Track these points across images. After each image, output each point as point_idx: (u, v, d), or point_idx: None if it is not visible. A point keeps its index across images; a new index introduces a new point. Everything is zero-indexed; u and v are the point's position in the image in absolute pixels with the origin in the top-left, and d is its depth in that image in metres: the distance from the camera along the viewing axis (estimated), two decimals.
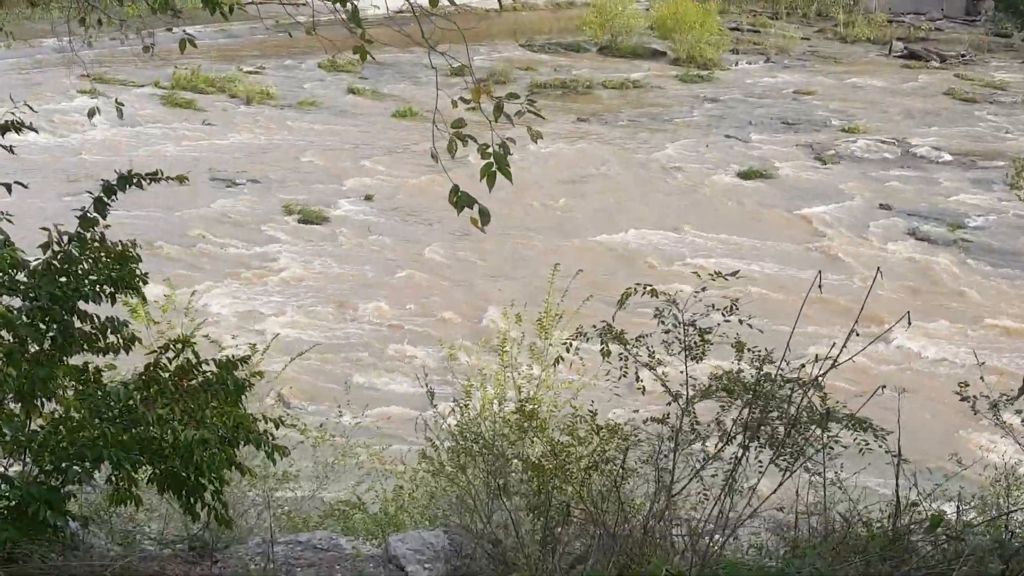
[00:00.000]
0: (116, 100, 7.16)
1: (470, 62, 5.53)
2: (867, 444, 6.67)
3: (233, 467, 6.21)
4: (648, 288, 8.52)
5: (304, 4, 7.20)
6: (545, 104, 34.76)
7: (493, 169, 4.96)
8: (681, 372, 8.84)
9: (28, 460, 5.69)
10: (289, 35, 6.82)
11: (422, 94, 33.10)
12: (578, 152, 29.52)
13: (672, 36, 43.25)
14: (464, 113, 5.54)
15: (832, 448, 7.03)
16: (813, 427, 7.17)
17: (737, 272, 8.53)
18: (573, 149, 29.60)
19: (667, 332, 8.75)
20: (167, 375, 6.21)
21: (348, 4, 5.86)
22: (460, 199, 5.11)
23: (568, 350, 9.11)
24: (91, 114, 6.36)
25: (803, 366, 7.39)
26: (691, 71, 40.60)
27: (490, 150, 4.98)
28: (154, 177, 6.51)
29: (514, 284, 19.99)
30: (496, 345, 14.09)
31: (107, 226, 6.48)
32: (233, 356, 6.51)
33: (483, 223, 5.09)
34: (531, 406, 10.03)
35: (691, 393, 8.67)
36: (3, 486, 5.25)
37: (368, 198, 25.10)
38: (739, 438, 7.80)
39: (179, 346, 6.26)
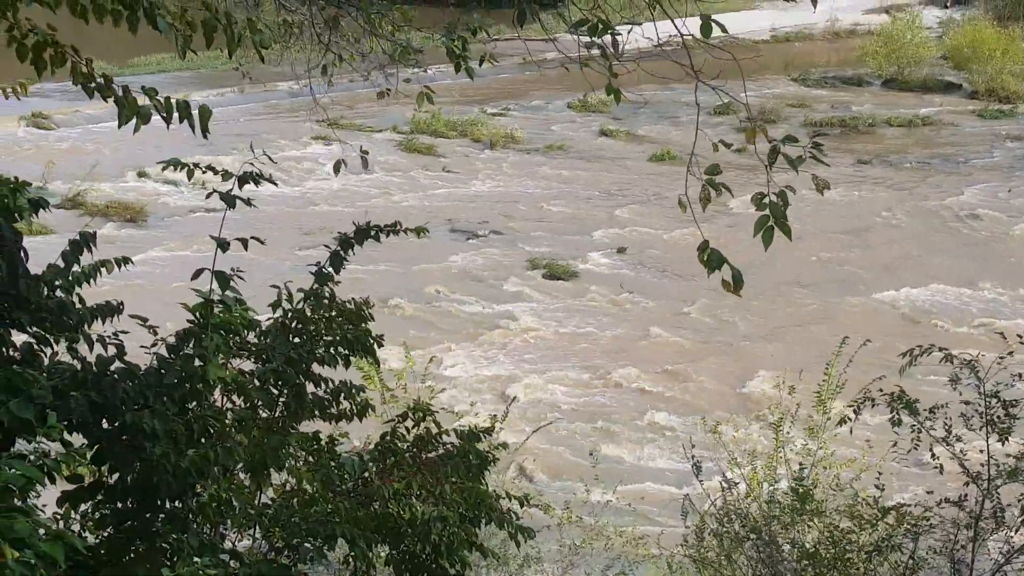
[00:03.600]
0: (361, 149, 7.37)
1: (745, 98, 5.45)
2: None
3: (474, 548, 6.26)
4: (943, 352, 8.22)
5: (554, 40, 7.28)
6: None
7: (770, 223, 4.78)
8: (981, 451, 8.49)
9: (258, 535, 5.87)
10: (567, 68, 6.86)
11: (682, 136, 33.01)
12: (859, 198, 28.91)
13: (969, 66, 41.95)
14: (731, 156, 5.48)
15: None
16: None
17: None
18: (853, 195, 29.01)
19: (967, 403, 8.43)
20: (405, 446, 6.33)
21: (604, 38, 5.88)
22: (711, 257, 4.95)
23: (851, 418, 8.87)
24: (337, 168, 6.56)
25: None
26: (991, 106, 39.27)
27: (766, 200, 4.82)
28: (392, 229, 6.67)
29: (785, 348, 19.65)
30: (764, 416, 13.86)
31: (338, 282, 6.67)
32: (476, 427, 6.58)
33: (736, 288, 4.94)
34: (806, 485, 9.80)
35: (993, 474, 8.32)
36: (233, 563, 5.42)
37: (621, 251, 25.15)
38: None
39: (418, 414, 6.36)
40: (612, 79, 6.00)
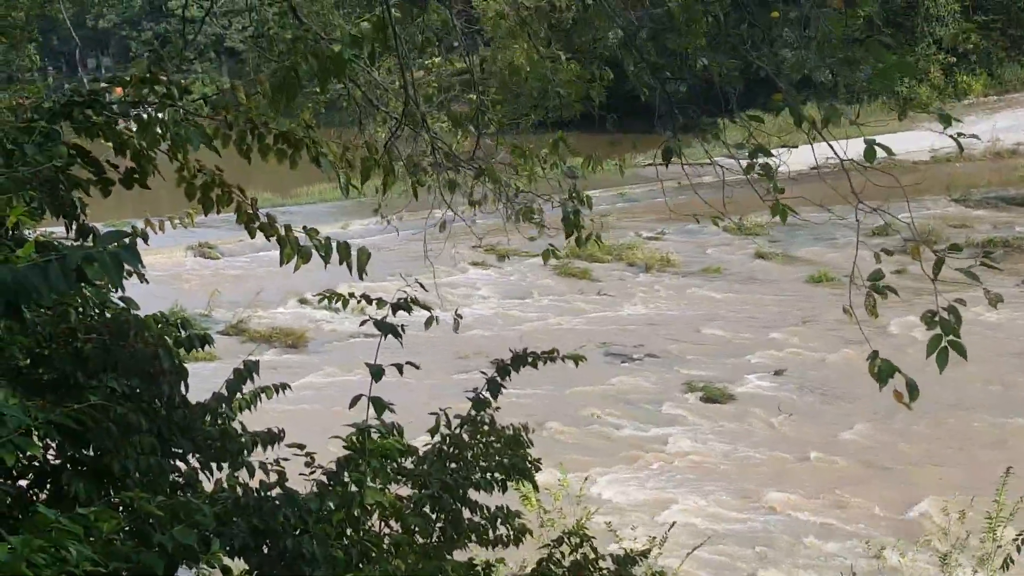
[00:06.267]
0: (455, 312, 7.51)
1: (911, 218, 5.42)
2: None
3: None
4: None
5: (709, 164, 7.32)
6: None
7: (944, 343, 4.69)
8: None
9: None
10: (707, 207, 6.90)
11: (839, 257, 32.62)
12: None
13: None
14: (890, 279, 5.40)
15: None
16: None
17: None
18: (1020, 316, 28.29)
19: None
20: (561, 571, 6.28)
21: (759, 161, 5.91)
22: (881, 369, 4.89)
23: (1012, 561, 8.62)
24: (428, 324, 6.61)
25: None
26: None
27: (937, 318, 4.74)
28: (550, 357, 6.71)
29: (950, 472, 19.11)
30: (930, 542, 13.47)
31: (497, 408, 6.71)
32: (631, 550, 6.51)
33: (911, 398, 4.85)
34: None
35: None
36: None
37: (778, 373, 24.86)
38: None
39: (574, 540, 6.32)
40: (777, 197, 6.02)
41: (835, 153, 5.74)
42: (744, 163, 6.23)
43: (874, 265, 5.51)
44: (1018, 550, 8.86)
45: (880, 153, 5.28)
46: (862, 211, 5.85)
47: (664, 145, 6.66)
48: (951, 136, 5.35)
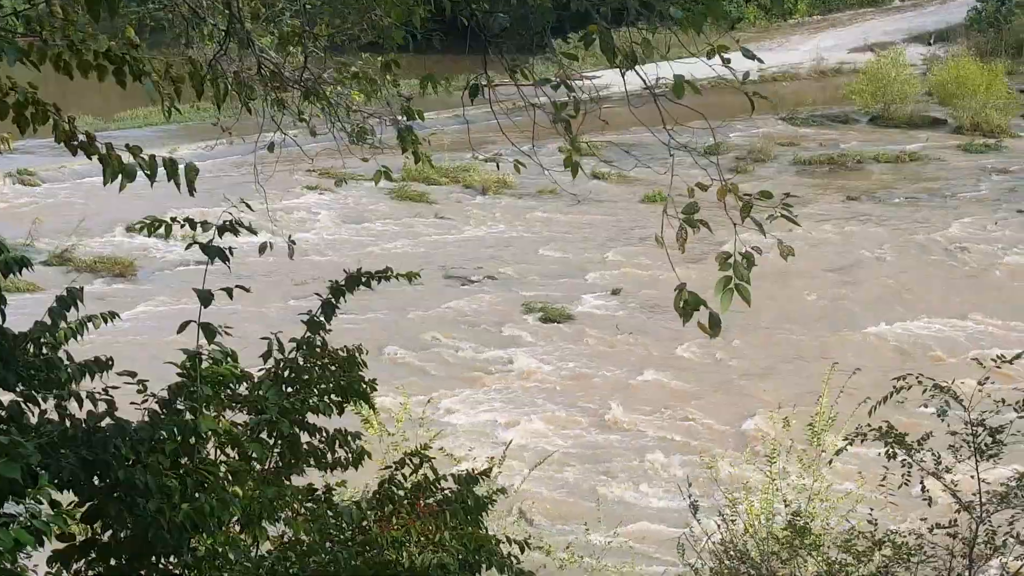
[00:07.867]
0: (289, 238, 7.26)
1: (717, 160, 5.41)
2: None
3: None
4: (920, 381, 8.23)
5: (535, 84, 7.24)
6: (811, 183, 34.15)
7: (730, 285, 4.68)
8: (972, 477, 8.48)
9: None
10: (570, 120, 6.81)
11: (675, 177, 32.73)
12: (848, 234, 28.94)
13: (953, 102, 41.95)
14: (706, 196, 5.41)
15: None
16: None
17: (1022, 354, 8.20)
18: (843, 231, 29.04)
19: (953, 434, 8.45)
20: (402, 492, 6.24)
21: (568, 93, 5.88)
22: (687, 303, 4.87)
23: (843, 449, 8.88)
24: (262, 249, 6.38)
25: None
26: (976, 140, 39.29)
27: (731, 260, 4.74)
28: (384, 275, 6.59)
29: (780, 384, 19.57)
30: (761, 453, 13.79)
31: (329, 331, 6.57)
32: (473, 470, 6.49)
33: (712, 334, 4.87)
34: (803, 520, 9.77)
35: (984, 500, 8.34)
36: None
37: (615, 292, 25.10)
38: None
39: (415, 460, 6.27)
40: (576, 153, 6.02)
41: (646, 84, 5.72)
42: (557, 100, 6.21)
43: (711, 185, 5.52)
44: (842, 451, 9.17)
45: (709, 73, 5.25)
46: (691, 132, 5.87)
47: (472, 82, 6.60)
48: (730, 68, 5.31)
